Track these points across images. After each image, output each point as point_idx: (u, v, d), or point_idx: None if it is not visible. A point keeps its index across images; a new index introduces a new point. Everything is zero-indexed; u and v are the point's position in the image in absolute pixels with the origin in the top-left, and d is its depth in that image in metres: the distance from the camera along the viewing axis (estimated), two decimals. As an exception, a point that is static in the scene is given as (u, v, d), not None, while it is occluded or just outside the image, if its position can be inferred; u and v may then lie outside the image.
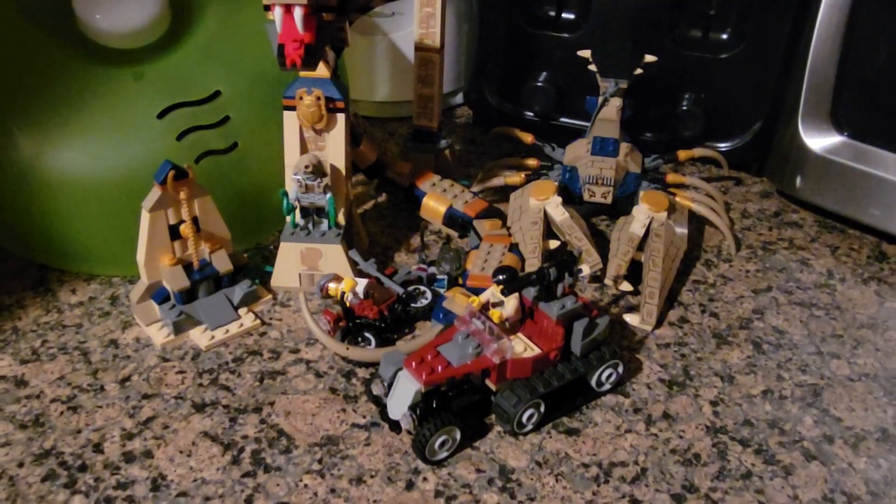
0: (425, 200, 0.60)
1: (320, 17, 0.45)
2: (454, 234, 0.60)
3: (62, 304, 0.53)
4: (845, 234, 0.63)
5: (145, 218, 0.48)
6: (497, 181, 0.64)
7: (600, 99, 0.62)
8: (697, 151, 0.66)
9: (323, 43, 0.46)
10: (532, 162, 0.65)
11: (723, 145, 0.69)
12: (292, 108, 0.52)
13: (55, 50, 0.53)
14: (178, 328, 0.50)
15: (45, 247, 0.54)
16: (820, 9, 0.59)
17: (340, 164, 0.53)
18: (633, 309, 0.54)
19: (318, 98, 0.51)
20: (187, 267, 0.51)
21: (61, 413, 0.45)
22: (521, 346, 0.45)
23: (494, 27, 0.72)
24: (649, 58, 0.62)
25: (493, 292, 0.47)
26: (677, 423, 0.45)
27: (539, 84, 0.71)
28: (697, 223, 0.63)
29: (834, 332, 0.53)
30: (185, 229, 0.50)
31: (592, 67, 0.63)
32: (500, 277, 0.44)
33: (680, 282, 0.57)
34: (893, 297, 0.56)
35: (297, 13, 0.42)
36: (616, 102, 0.63)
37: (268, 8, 0.45)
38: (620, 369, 0.47)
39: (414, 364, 0.42)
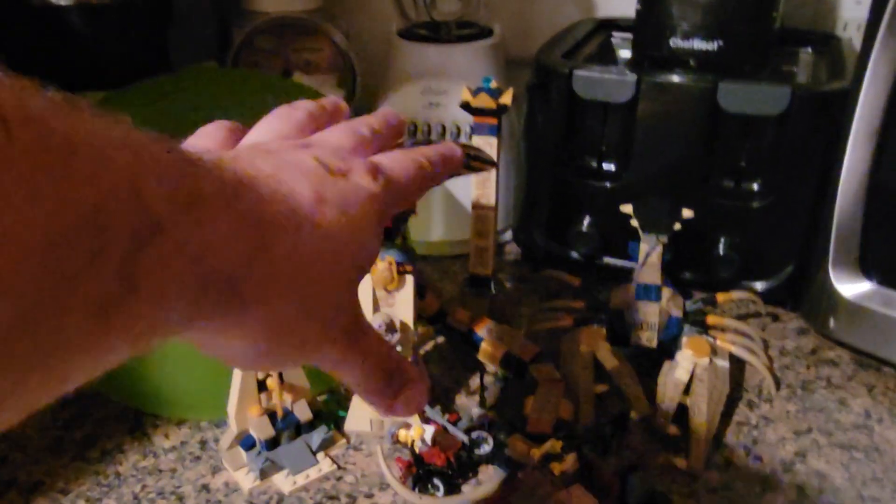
0: (483, 345, 0.65)
1: (396, 202, 0.52)
2: (510, 376, 0.65)
3: (157, 448, 0.59)
4: (881, 372, 0.67)
5: (237, 374, 0.54)
6: (548, 324, 0.69)
7: (642, 252, 0.67)
8: (735, 295, 0.71)
9: (399, 224, 0.53)
10: (578, 304, 0.70)
11: (758, 285, 0.74)
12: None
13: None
14: (264, 474, 0.55)
15: (141, 393, 0.60)
16: (844, 163, 0.64)
17: (409, 319, 0.59)
18: (681, 452, 0.58)
19: (391, 263, 0.57)
20: (272, 416, 0.56)
21: (163, 559, 0.49)
22: (581, 498, 0.49)
23: (540, 175, 0.79)
24: (687, 213, 0.68)
25: (552, 444, 0.51)
26: (728, 570, 0.48)
27: (583, 229, 0.77)
28: (738, 362, 0.67)
29: (874, 476, 0.56)
30: (271, 383, 0.55)
31: (634, 222, 0.68)
32: (560, 434, 0.49)
33: (724, 423, 0.61)
34: (930, 438, 0.59)
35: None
36: (658, 250, 0.69)
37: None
38: (672, 516, 0.50)
39: (484, 516, 0.47)
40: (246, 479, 0.55)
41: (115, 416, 0.62)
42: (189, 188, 0.24)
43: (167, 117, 0.65)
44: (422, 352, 0.69)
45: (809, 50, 0.84)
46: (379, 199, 0.32)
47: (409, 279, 0.58)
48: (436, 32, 0.85)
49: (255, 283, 0.27)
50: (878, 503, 0.54)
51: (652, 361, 0.68)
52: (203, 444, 0.59)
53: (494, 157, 0.63)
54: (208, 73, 0.74)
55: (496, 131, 0.65)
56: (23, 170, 0.19)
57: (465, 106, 0.65)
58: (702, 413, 0.58)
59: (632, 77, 0.71)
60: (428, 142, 0.50)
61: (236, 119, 0.68)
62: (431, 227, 0.84)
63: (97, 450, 0.58)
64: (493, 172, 0.66)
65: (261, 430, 0.55)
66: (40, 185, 0.19)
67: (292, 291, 0.29)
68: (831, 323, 0.67)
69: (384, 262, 0.57)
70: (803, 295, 0.72)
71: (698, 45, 0.72)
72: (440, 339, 0.71)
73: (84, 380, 0.23)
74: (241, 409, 0.55)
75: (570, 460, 0.50)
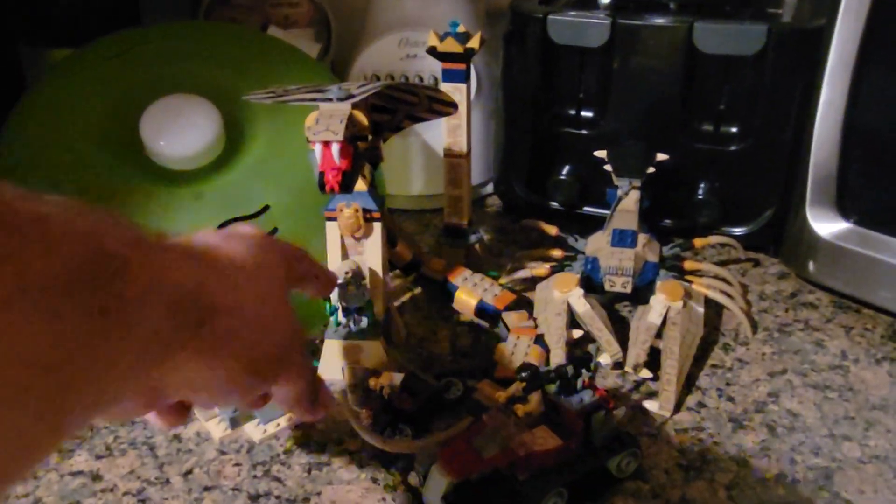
0: (457, 294, 0.65)
1: (356, 146, 0.51)
2: (485, 324, 0.65)
3: (131, 400, 0.59)
4: (860, 313, 0.66)
5: (205, 324, 0.54)
6: (524, 273, 0.68)
7: (617, 196, 0.67)
8: (712, 239, 0.70)
9: (358, 167, 0.52)
10: (557, 253, 0.70)
11: (738, 230, 0.73)
12: (333, 220, 0.58)
13: (126, 174, 0.60)
14: (234, 423, 0.55)
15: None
16: (819, 103, 0.63)
17: (378, 267, 0.59)
18: (653, 395, 0.57)
19: (357, 210, 0.57)
20: (242, 366, 0.56)
21: (132, 505, 0.50)
22: (544, 438, 0.49)
23: (520, 125, 0.78)
24: (661, 156, 0.67)
25: (517, 386, 0.51)
26: (693, 507, 0.48)
27: (562, 177, 0.76)
28: (715, 307, 0.66)
29: (847, 415, 0.56)
30: (240, 332, 0.55)
31: (608, 167, 0.68)
32: (523, 375, 0.48)
33: (698, 366, 0.61)
34: (905, 377, 0.59)
35: (335, 147, 0.48)
36: (634, 195, 0.68)
37: (309, 140, 0.51)
38: (639, 456, 0.50)
39: (447, 457, 0.47)
40: (217, 429, 0.56)
41: (91, 371, 0.62)
42: (149, 236, 0.31)
43: (134, 69, 0.65)
44: (397, 303, 0.69)
45: (795, -10, 0.82)
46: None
47: (377, 226, 0.58)
48: (413, -17, 0.84)
49: (217, 306, 0.35)
50: (849, 440, 0.53)
51: (628, 308, 0.68)
52: (177, 395, 0.59)
53: (462, 103, 0.62)
54: (179, 27, 0.73)
55: (464, 77, 0.64)
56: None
57: (432, 51, 0.64)
58: (674, 355, 0.58)
59: (606, 20, 0.70)
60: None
61: (206, 71, 0.67)
62: (411, 180, 0.83)
63: (71, 403, 0.59)
64: (463, 119, 0.65)
65: (230, 379, 0.56)
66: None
67: (251, 323, 0.38)
68: (810, 266, 0.67)
69: (350, 209, 0.56)
70: (783, 239, 0.71)
71: (678, -14, 0.71)
72: (416, 291, 0.71)
73: (84, 419, 0.29)
74: (211, 359, 0.55)
75: (535, 402, 0.50)
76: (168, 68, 0.66)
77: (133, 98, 0.62)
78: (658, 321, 0.60)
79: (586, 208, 0.78)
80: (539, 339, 0.60)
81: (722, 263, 0.73)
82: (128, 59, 0.65)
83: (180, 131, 0.61)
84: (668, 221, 0.75)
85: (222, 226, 0.59)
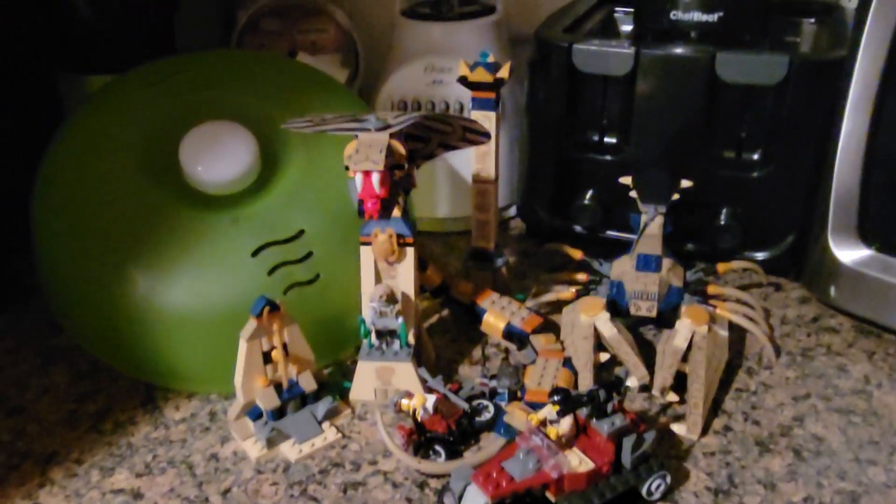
0: (486, 317, 0.66)
1: (393, 174, 0.53)
2: (512, 346, 0.66)
3: (168, 420, 0.61)
4: (881, 338, 0.67)
5: (243, 346, 0.56)
6: (550, 296, 0.70)
7: (642, 222, 0.68)
8: (735, 264, 0.71)
9: (396, 195, 0.54)
10: (582, 276, 0.71)
11: (759, 255, 0.74)
12: (368, 244, 0.59)
13: (165, 199, 0.62)
14: (271, 443, 0.57)
15: (153, 368, 0.62)
16: (842, 132, 0.64)
17: (410, 291, 0.60)
18: (680, 418, 0.59)
19: (391, 235, 0.58)
20: (277, 387, 0.58)
21: (174, 523, 0.51)
22: (577, 461, 0.50)
23: (544, 150, 0.80)
24: (685, 183, 0.68)
25: (549, 409, 0.53)
26: (723, 530, 0.49)
27: (586, 202, 0.77)
28: (739, 331, 0.68)
29: (871, 439, 0.57)
30: (276, 355, 0.57)
31: (633, 194, 0.69)
32: (556, 398, 0.50)
33: (723, 390, 0.62)
34: (928, 402, 0.60)
35: (375, 177, 0.50)
36: (658, 221, 0.69)
37: (348, 168, 0.52)
38: (668, 479, 0.51)
39: (481, 479, 0.48)
40: (253, 449, 0.57)
41: (128, 390, 0.64)
42: None
43: (171, 97, 0.67)
44: (426, 325, 0.70)
45: (812, 20, 0.83)
46: None
47: (410, 251, 0.59)
48: (438, 10, 0.86)
49: None
50: (875, 465, 0.54)
51: (653, 331, 0.69)
52: (212, 415, 0.61)
53: (491, 131, 0.64)
54: (214, 55, 0.75)
55: (494, 105, 0.66)
56: None
57: (463, 80, 0.65)
58: (700, 379, 0.59)
59: (630, 50, 0.71)
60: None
61: (241, 98, 0.69)
62: (436, 203, 0.85)
63: (110, 422, 0.60)
64: (491, 146, 0.67)
65: (267, 400, 0.57)
66: None
67: None
68: (832, 291, 0.68)
69: (384, 235, 0.58)
70: (805, 264, 0.72)
71: (698, 16, 0.72)
72: (444, 313, 0.72)
73: None
74: (248, 381, 0.57)
75: (566, 425, 0.51)
76: (204, 95, 0.67)
77: (171, 125, 0.64)
78: (684, 345, 0.61)
79: (609, 232, 0.79)
80: (567, 362, 0.61)
81: (744, 288, 0.74)
82: (165, 86, 0.67)
83: (218, 157, 0.63)
84: (690, 246, 0.76)
85: (258, 251, 0.60)
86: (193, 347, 0.60)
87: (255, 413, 0.58)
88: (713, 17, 0.72)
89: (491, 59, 0.66)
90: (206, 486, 0.54)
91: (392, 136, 0.53)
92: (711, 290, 0.68)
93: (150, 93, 0.67)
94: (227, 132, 0.64)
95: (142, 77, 0.69)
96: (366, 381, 0.61)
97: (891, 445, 0.56)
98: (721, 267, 0.71)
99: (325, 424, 0.59)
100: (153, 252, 0.60)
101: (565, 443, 0.51)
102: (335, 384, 0.63)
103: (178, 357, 0.60)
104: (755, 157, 0.73)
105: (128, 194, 0.62)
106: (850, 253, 0.66)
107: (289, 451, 0.57)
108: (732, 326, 0.66)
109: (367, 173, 0.50)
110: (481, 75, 0.65)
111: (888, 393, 0.61)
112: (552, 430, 0.51)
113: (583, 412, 0.51)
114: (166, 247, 0.60)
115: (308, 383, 0.59)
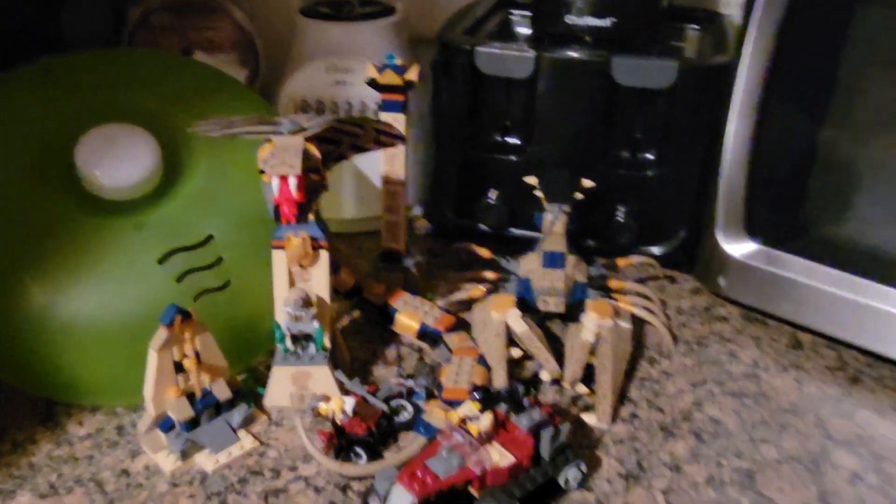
0: (399, 317, 0.67)
1: (309, 178, 0.52)
2: (426, 346, 0.67)
3: (72, 436, 0.58)
4: (767, 325, 0.72)
5: (153, 357, 0.54)
6: (461, 295, 0.71)
7: (546, 221, 0.70)
8: (634, 259, 0.75)
9: (312, 199, 0.53)
10: (490, 275, 0.73)
11: (655, 249, 0.78)
12: (281, 248, 0.59)
13: (61, 205, 0.59)
14: (185, 455, 0.55)
15: (53, 383, 0.59)
16: (728, 134, 0.69)
17: (325, 294, 0.60)
18: (589, 409, 0.61)
19: (305, 239, 0.58)
20: (190, 396, 0.56)
21: (86, 544, 0.49)
22: (498, 455, 0.51)
23: (448, 151, 0.81)
24: (588, 183, 0.71)
25: (469, 406, 0.54)
26: (635, 513, 0.52)
27: (490, 201, 0.79)
28: (640, 323, 0.71)
29: (762, 420, 0.61)
30: (189, 364, 0.55)
31: (539, 193, 0.71)
32: (477, 396, 0.51)
33: (628, 379, 0.65)
34: (809, 382, 0.65)
35: (292, 181, 0.49)
36: (563, 219, 0.72)
37: (263, 171, 0.52)
38: (583, 467, 0.54)
39: (406, 479, 0.48)
40: (167, 461, 0.55)
41: (26, 408, 0.60)
42: None
43: (64, 98, 0.63)
44: (339, 326, 0.70)
45: (696, 26, 0.88)
46: None
47: (324, 255, 0.59)
48: (338, 10, 0.85)
49: None
50: (767, 443, 0.58)
51: (560, 326, 0.71)
52: (120, 429, 0.59)
53: (402, 133, 0.64)
54: (108, 55, 0.71)
55: (403, 107, 0.66)
56: None
57: (373, 83, 0.66)
58: (607, 371, 0.61)
59: (531, 53, 0.73)
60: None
61: (140, 99, 0.67)
62: (343, 204, 0.84)
63: (7, 442, 0.57)
64: (401, 148, 0.67)
65: (179, 411, 0.55)
66: None
67: None
68: (721, 282, 0.72)
69: (298, 239, 0.57)
70: (696, 257, 0.76)
71: (592, 21, 0.75)
72: (356, 314, 0.72)
73: None
74: (159, 392, 0.55)
75: (487, 421, 0.52)
76: (99, 96, 0.65)
77: (65, 128, 0.61)
78: (592, 338, 0.64)
79: (513, 231, 0.81)
80: (481, 360, 0.62)
81: (641, 281, 0.78)
82: (57, 87, 0.64)
83: (117, 161, 0.60)
84: (589, 242, 0.79)
85: (165, 257, 0.58)
86: (98, 360, 0.58)
87: (166, 424, 0.56)
88: (606, 22, 0.75)
89: (398, 61, 0.66)
90: (118, 503, 0.52)
91: (306, 139, 0.52)
92: (613, 284, 0.71)
93: (39, 94, 0.64)
94: (125, 135, 0.62)
95: (29, 77, 0.65)
96: (281, 386, 0.60)
97: (779, 424, 0.60)
98: (620, 262, 0.74)
99: (242, 432, 0.58)
100: (50, 262, 0.57)
101: (486, 439, 0.52)
102: (249, 391, 0.61)
103: (81, 371, 0.58)
104: (649, 156, 0.76)
105: (20, 200, 0.59)
106: (737, 247, 0.70)
107: (205, 461, 0.55)
108: (633, 318, 0.69)
109: (283, 177, 0.50)
110: (391, 78, 0.65)
111: (775, 376, 0.66)
112: (473, 427, 0.52)
113: (502, 408, 0.53)
114: (65, 256, 0.57)
115: (222, 391, 0.57)
